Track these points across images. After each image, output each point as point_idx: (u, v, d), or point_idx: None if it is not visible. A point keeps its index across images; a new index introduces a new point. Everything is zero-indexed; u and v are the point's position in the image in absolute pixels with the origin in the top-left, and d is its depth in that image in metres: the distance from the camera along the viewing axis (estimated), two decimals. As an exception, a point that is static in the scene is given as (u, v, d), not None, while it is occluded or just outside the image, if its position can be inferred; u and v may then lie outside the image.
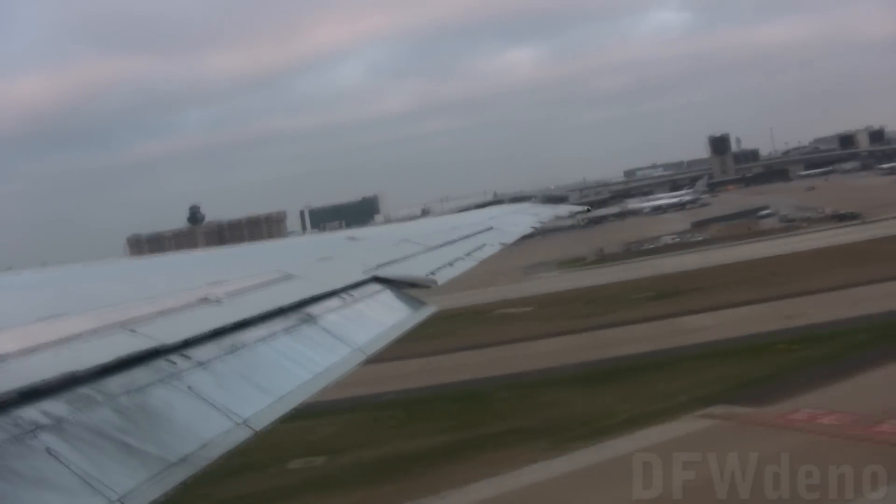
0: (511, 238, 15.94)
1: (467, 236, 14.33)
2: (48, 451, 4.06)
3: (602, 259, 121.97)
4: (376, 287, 9.23)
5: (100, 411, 4.57)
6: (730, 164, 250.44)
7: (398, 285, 9.36)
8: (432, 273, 10.20)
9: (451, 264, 11.31)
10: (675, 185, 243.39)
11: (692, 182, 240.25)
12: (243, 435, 5.07)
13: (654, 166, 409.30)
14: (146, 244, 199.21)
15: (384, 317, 8.51)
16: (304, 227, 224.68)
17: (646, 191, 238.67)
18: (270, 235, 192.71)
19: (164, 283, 7.71)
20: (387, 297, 9.10)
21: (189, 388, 5.25)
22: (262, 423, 5.30)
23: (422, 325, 8.96)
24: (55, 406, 4.43)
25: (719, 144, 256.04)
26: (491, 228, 15.75)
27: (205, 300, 6.93)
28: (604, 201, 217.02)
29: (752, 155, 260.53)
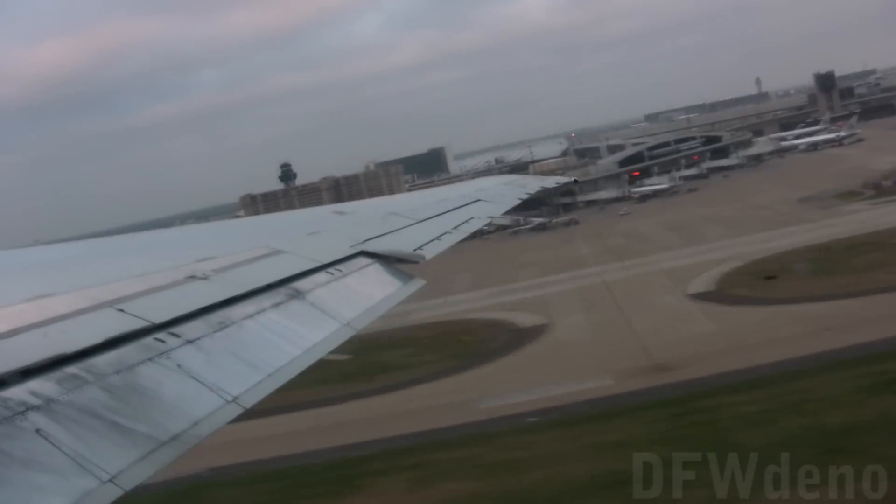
0: (499, 210, 15.93)
1: (455, 209, 14.29)
2: (38, 431, 4.06)
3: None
4: (364, 261, 9.21)
5: (89, 391, 4.57)
6: (836, 101, 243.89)
7: (386, 260, 9.34)
8: (420, 248, 10.19)
9: (438, 238, 11.28)
10: (784, 125, 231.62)
11: (800, 120, 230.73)
12: (233, 412, 5.09)
13: (675, 109, 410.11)
14: (261, 203, 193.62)
15: (372, 291, 8.51)
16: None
17: (756, 130, 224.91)
18: (390, 188, 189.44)
19: (152, 261, 7.68)
20: (375, 270, 9.08)
21: (178, 366, 5.25)
22: (251, 399, 5.32)
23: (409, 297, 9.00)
24: (44, 386, 4.43)
25: (825, 81, 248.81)
26: (479, 201, 15.72)
27: (193, 277, 6.92)
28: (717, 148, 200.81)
29: (849, 92, 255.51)
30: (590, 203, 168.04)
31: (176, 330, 5.67)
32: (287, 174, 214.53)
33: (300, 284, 7.57)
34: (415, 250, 9.93)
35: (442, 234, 11.63)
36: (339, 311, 7.34)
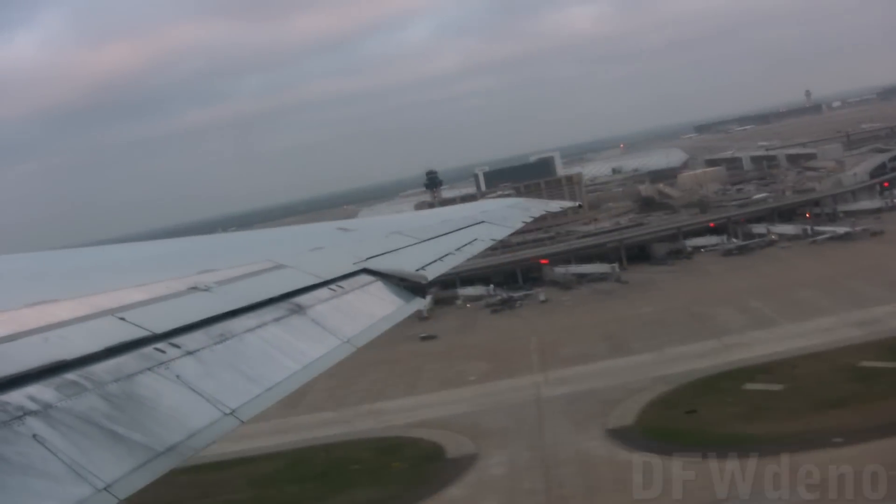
0: (502, 233, 15.93)
1: (458, 229, 14.32)
2: (35, 437, 4.06)
3: None
4: (366, 279, 9.22)
5: (88, 398, 4.56)
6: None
7: (388, 278, 9.35)
8: (422, 268, 10.20)
9: (441, 259, 11.30)
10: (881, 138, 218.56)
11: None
12: (230, 425, 5.08)
13: (727, 120, 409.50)
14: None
15: (374, 309, 8.50)
16: (478, 189, 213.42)
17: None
18: (572, 194, 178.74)
19: (154, 271, 7.69)
20: (376, 288, 9.09)
21: (177, 376, 5.25)
22: (249, 413, 5.31)
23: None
24: (43, 392, 4.43)
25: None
26: (482, 223, 15.74)
27: (195, 288, 6.92)
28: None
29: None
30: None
31: (176, 340, 5.67)
32: (433, 181, 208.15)
33: (302, 300, 7.57)
34: (417, 270, 9.94)
35: (445, 255, 11.65)
36: (339, 327, 7.33)
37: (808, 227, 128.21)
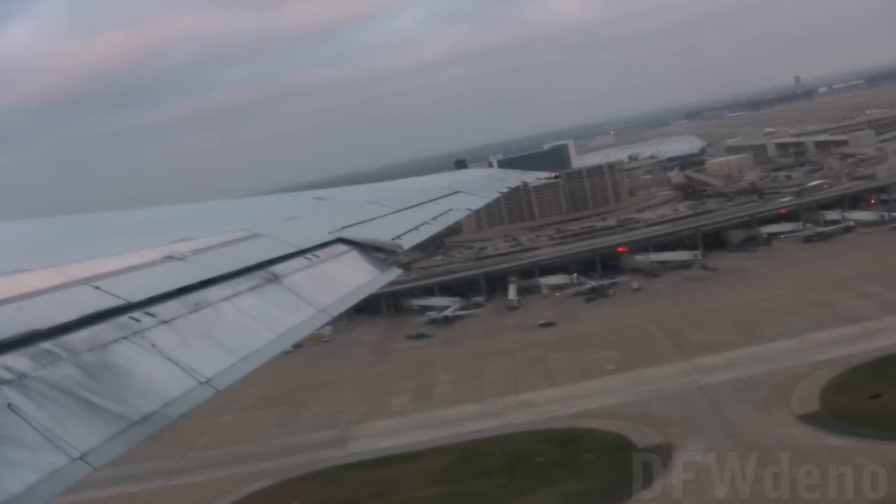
0: (478, 203, 15.96)
1: (434, 199, 14.32)
2: (10, 406, 4.06)
3: None
4: (342, 248, 9.22)
5: (62, 367, 4.56)
6: None
7: (364, 248, 9.35)
8: (398, 237, 10.21)
9: (416, 228, 11.31)
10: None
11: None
12: (206, 394, 5.10)
13: (718, 107, 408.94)
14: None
15: (349, 278, 8.52)
16: None
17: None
18: (614, 183, 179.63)
19: (129, 240, 7.66)
20: (352, 258, 9.09)
21: (153, 345, 5.26)
22: (224, 382, 5.32)
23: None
24: (18, 361, 4.43)
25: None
26: (458, 192, 15.75)
27: (170, 257, 6.91)
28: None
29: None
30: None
31: (151, 310, 5.67)
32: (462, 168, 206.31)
33: (277, 269, 7.57)
34: (393, 239, 9.95)
35: (420, 225, 11.66)
36: (315, 296, 7.34)
37: (886, 213, 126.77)
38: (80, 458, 3.97)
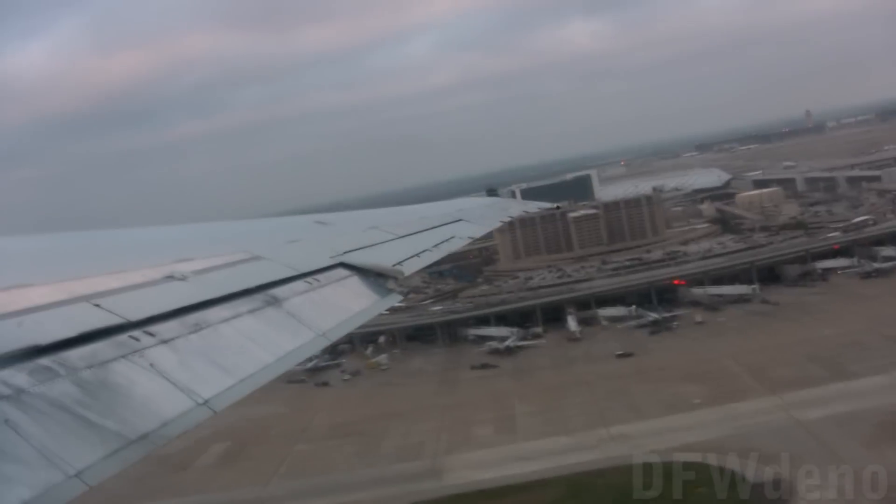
0: (480, 231, 15.99)
1: (436, 227, 14.35)
2: (7, 422, 4.04)
3: None
4: (343, 272, 9.22)
5: (61, 384, 4.55)
6: None
7: (365, 273, 9.36)
8: (399, 263, 10.22)
9: (418, 255, 11.33)
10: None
11: None
12: (203, 415, 5.08)
13: (728, 140, 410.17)
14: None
15: (350, 303, 8.51)
16: None
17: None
18: (651, 215, 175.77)
19: (131, 258, 7.66)
20: (353, 283, 9.10)
21: (151, 365, 5.24)
22: (222, 404, 5.31)
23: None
24: (16, 376, 4.41)
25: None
26: (460, 220, 15.78)
27: (171, 277, 6.91)
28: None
29: None
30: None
31: (151, 329, 5.67)
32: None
33: (278, 292, 7.57)
34: (394, 265, 9.95)
35: (422, 252, 11.67)
36: (314, 321, 7.34)
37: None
38: (76, 475, 3.95)
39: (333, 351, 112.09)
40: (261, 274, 7.88)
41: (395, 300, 9.23)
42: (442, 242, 13.01)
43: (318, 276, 8.62)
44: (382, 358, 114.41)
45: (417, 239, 12.74)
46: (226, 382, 5.56)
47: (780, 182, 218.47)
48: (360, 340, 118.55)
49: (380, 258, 10.16)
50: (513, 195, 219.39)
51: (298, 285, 8.08)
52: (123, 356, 5.16)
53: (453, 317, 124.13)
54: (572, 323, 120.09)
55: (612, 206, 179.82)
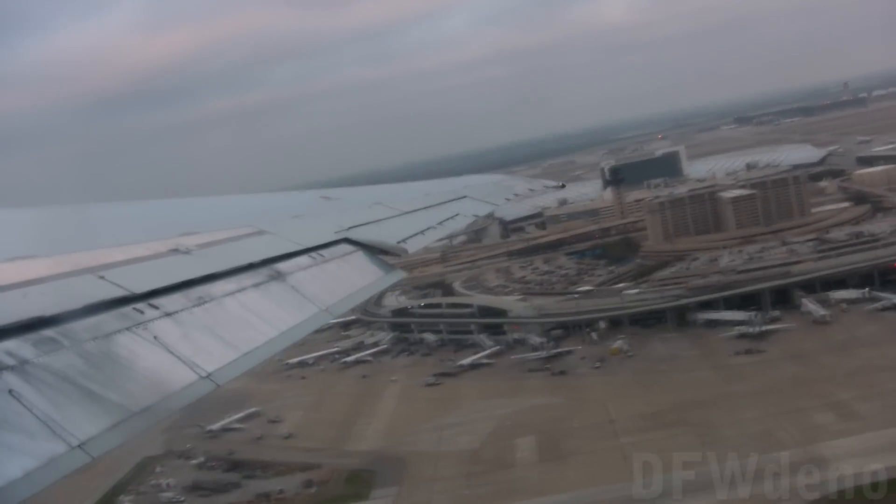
0: (485, 209, 15.93)
1: (440, 203, 14.30)
2: (11, 392, 4.06)
3: None
4: (347, 248, 9.21)
5: (65, 355, 4.57)
6: None
7: (369, 249, 9.35)
8: (403, 241, 10.20)
9: (422, 233, 11.30)
10: None
11: None
12: (206, 388, 5.10)
13: (768, 113, 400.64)
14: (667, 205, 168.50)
15: (353, 278, 8.51)
16: (604, 185, 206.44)
17: None
18: (799, 195, 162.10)
19: (136, 231, 7.68)
20: (357, 258, 9.09)
21: (155, 337, 5.26)
22: (225, 377, 5.32)
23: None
24: (20, 347, 4.43)
25: None
26: (465, 198, 15.71)
27: (175, 250, 6.92)
28: None
29: None
30: None
31: (155, 302, 5.68)
32: (616, 179, 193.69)
33: (282, 266, 7.58)
34: (398, 242, 9.95)
35: (426, 229, 11.64)
36: (318, 295, 7.34)
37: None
38: (79, 446, 3.98)
39: (547, 336, 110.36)
40: (265, 248, 7.88)
41: (398, 276, 9.24)
42: (447, 220, 12.98)
43: (323, 252, 8.62)
44: (622, 343, 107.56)
45: (422, 216, 12.71)
46: (229, 356, 5.57)
47: (886, 159, 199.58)
48: (573, 327, 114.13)
49: (384, 234, 10.14)
50: (601, 172, 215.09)
51: (302, 260, 8.08)
52: (127, 328, 5.18)
53: (682, 301, 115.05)
54: (812, 306, 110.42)
55: (759, 186, 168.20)
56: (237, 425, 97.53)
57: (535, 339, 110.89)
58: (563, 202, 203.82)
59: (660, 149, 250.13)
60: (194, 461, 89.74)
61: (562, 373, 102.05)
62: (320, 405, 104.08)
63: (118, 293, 5.51)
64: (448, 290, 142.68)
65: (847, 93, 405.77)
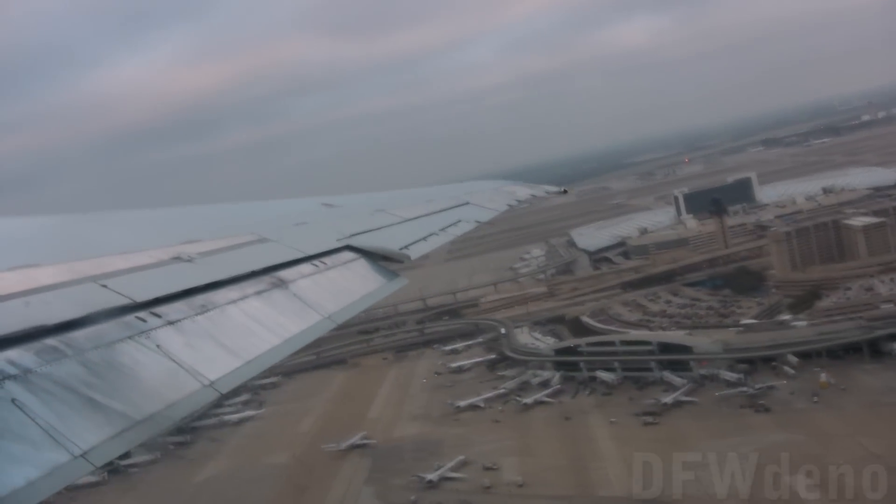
0: (487, 216, 15.93)
1: (442, 210, 14.31)
2: (14, 401, 4.06)
3: None
4: (350, 255, 9.21)
5: (67, 364, 4.56)
6: None
7: (371, 256, 9.35)
8: (406, 247, 10.19)
9: (424, 239, 11.29)
10: None
11: None
12: (209, 397, 5.09)
13: (797, 134, 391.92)
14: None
15: (356, 286, 8.50)
16: (678, 212, 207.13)
17: None
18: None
19: (138, 239, 7.67)
20: (359, 266, 9.08)
21: (158, 346, 5.25)
22: (227, 385, 5.31)
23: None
24: (23, 356, 4.43)
25: None
26: (467, 204, 15.73)
27: (178, 258, 6.91)
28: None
29: None
30: None
31: (157, 310, 5.67)
32: (719, 208, 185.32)
33: (284, 274, 7.57)
34: (401, 249, 9.94)
35: (429, 235, 11.64)
36: (321, 303, 7.33)
37: None
38: (82, 455, 3.97)
39: (735, 373, 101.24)
40: (267, 256, 7.88)
41: (401, 283, 9.23)
42: (449, 226, 12.98)
43: (325, 259, 8.62)
44: (826, 377, 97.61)
45: (424, 222, 12.71)
46: (232, 364, 5.56)
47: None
48: (758, 360, 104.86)
49: (387, 241, 10.14)
50: (675, 200, 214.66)
51: (305, 268, 8.08)
52: (130, 337, 5.17)
53: (883, 332, 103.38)
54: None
55: (881, 213, 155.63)
56: (452, 474, 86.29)
57: (730, 375, 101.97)
58: (644, 231, 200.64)
59: (731, 175, 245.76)
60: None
61: (771, 408, 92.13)
62: (531, 449, 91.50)
63: (121, 302, 5.50)
64: (577, 326, 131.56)
65: (871, 111, 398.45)
